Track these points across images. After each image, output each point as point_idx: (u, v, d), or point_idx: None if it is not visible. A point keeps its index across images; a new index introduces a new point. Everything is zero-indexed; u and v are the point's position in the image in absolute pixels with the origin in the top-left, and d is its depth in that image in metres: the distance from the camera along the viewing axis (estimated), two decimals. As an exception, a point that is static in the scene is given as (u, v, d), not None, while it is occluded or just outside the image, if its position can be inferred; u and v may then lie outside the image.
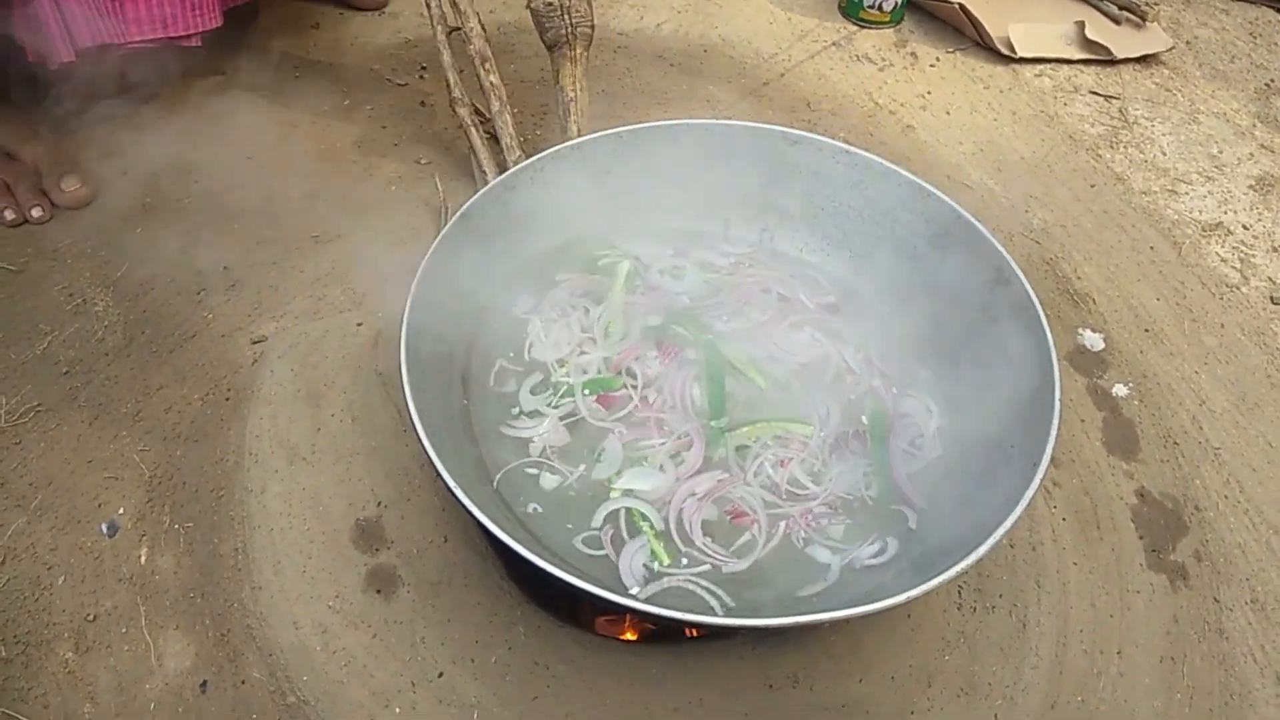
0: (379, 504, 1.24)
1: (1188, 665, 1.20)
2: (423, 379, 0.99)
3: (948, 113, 2.00)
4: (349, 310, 1.47)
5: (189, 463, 1.29)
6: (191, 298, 1.49)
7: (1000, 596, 1.23)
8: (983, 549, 0.87)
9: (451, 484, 0.88)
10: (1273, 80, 2.21)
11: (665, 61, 2.03)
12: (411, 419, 0.92)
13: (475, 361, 1.21)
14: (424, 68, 1.94)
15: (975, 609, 1.20)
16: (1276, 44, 2.34)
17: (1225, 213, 1.85)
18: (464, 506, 0.87)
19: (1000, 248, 1.13)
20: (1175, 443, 1.44)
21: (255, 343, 1.42)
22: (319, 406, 1.33)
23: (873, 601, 0.85)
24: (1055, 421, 0.96)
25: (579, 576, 0.84)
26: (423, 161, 1.74)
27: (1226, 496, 1.38)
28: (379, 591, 1.16)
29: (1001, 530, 0.88)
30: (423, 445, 0.91)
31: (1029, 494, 0.91)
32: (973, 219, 1.17)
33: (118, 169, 1.66)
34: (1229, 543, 1.32)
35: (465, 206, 1.15)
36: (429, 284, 1.04)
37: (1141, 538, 1.32)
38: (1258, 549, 1.32)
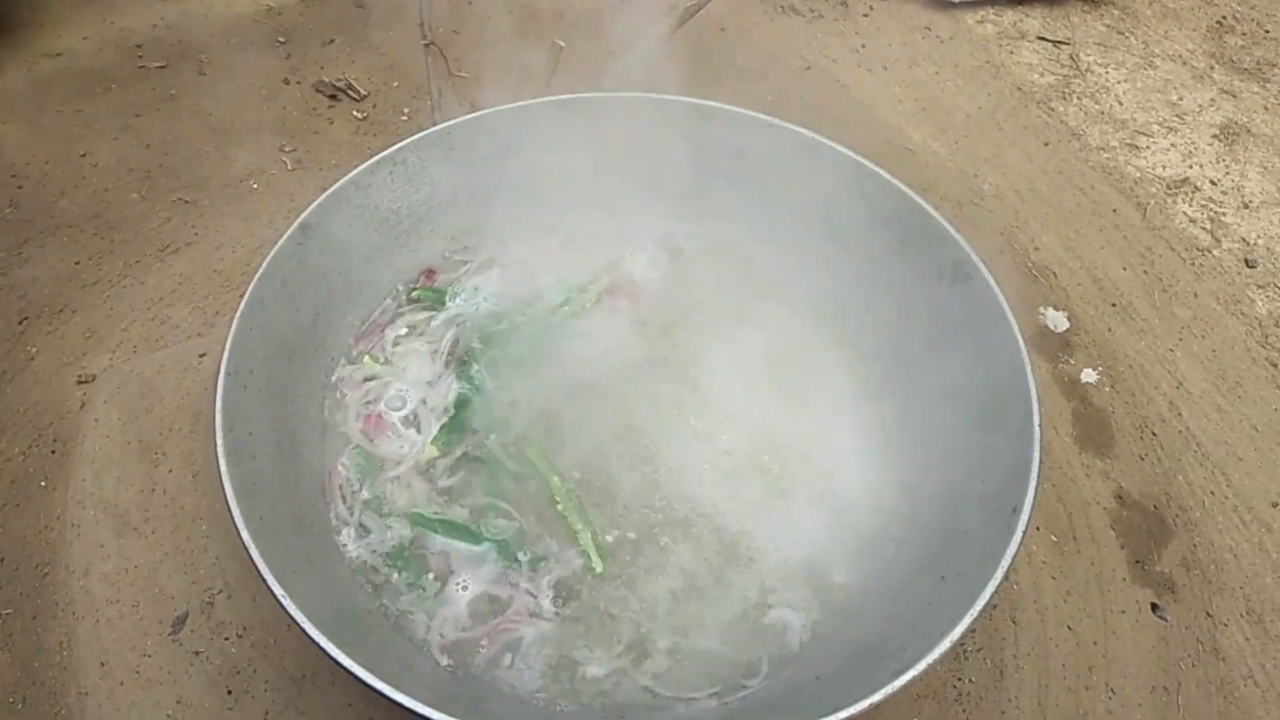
0: (227, 581, 1.02)
1: (1182, 694, 1.07)
2: (250, 454, 0.78)
3: (885, 68, 1.80)
4: (195, 336, 1.24)
5: (8, 534, 1.08)
6: (12, 329, 1.25)
7: (974, 635, 1.06)
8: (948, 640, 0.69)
9: (297, 615, 0.67)
10: (1224, 17, 2.05)
11: (565, 20, 1.80)
12: (234, 520, 0.71)
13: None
14: (284, 39, 1.69)
15: (945, 659, 1.03)
16: (1224, -22, 2.17)
17: (1190, 167, 1.68)
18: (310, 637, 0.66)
19: (959, 237, 0.94)
20: (1153, 433, 1.29)
21: (83, 383, 1.18)
22: (154, 462, 1.11)
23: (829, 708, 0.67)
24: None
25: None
26: (286, 149, 1.50)
27: (1212, 492, 1.24)
28: (229, 692, 0.95)
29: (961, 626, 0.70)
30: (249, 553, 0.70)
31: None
32: (925, 204, 0.97)
33: (-80, 176, 1.41)
34: (1219, 546, 1.19)
35: (305, 214, 0.93)
36: (249, 331, 0.82)
37: (1123, 547, 1.17)
38: (1250, 551, 1.18)
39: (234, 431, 0.78)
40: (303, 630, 0.67)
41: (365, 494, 0.91)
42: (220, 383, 0.79)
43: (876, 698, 0.67)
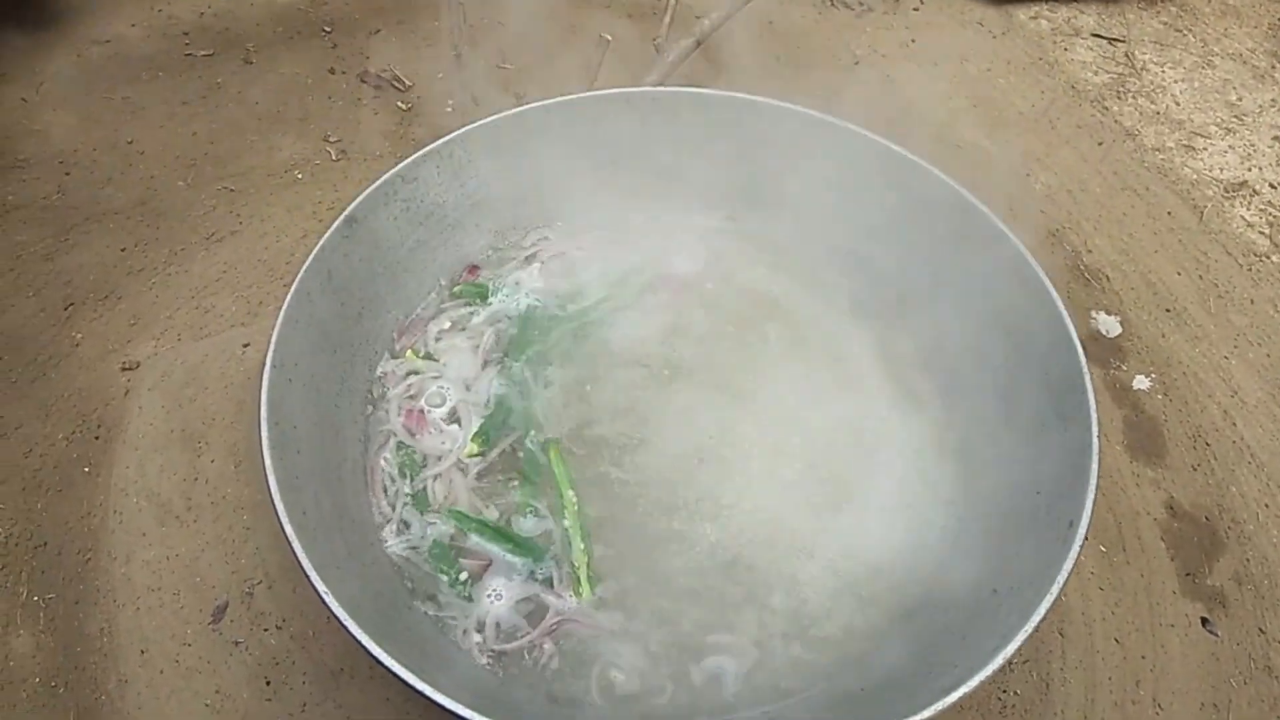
0: (267, 572, 1.02)
1: (1233, 713, 1.04)
2: (294, 447, 0.78)
3: (935, 63, 1.77)
4: (239, 325, 1.24)
5: (51, 518, 1.08)
6: (58, 315, 1.26)
7: (1020, 648, 1.04)
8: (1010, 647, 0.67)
9: (339, 610, 0.66)
10: (1288, 14, 1.99)
11: (613, 13, 1.79)
12: (278, 514, 0.71)
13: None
14: (329, 29, 1.69)
15: (990, 670, 1.02)
16: (1288, -26, 2.11)
17: (1249, 170, 1.64)
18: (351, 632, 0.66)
19: (1015, 238, 0.92)
20: (1206, 443, 1.25)
21: (127, 369, 1.19)
22: (196, 451, 1.11)
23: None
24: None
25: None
26: (331, 139, 1.50)
27: (1267, 505, 1.20)
28: (268, 683, 0.95)
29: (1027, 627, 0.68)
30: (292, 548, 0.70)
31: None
32: (979, 203, 0.95)
33: (-30, 160, 1.42)
34: (1272, 561, 1.16)
35: (351, 207, 0.92)
36: (295, 324, 0.82)
37: (1173, 559, 1.14)
38: (1306, 567, 1.14)
39: (279, 425, 0.78)
40: (343, 626, 0.66)
41: (407, 489, 0.91)
42: (266, 376, 0.78)
43: (926, 713, 0.65)
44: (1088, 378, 0.83)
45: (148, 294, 1.29)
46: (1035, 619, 0.69)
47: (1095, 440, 0.78)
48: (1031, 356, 0.91)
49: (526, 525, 0.90)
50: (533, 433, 0.96)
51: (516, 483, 0.93)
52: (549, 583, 0.87)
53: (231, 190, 1.42)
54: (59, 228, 1.36)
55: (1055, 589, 0.70)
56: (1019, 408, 0.91)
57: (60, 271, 1.31)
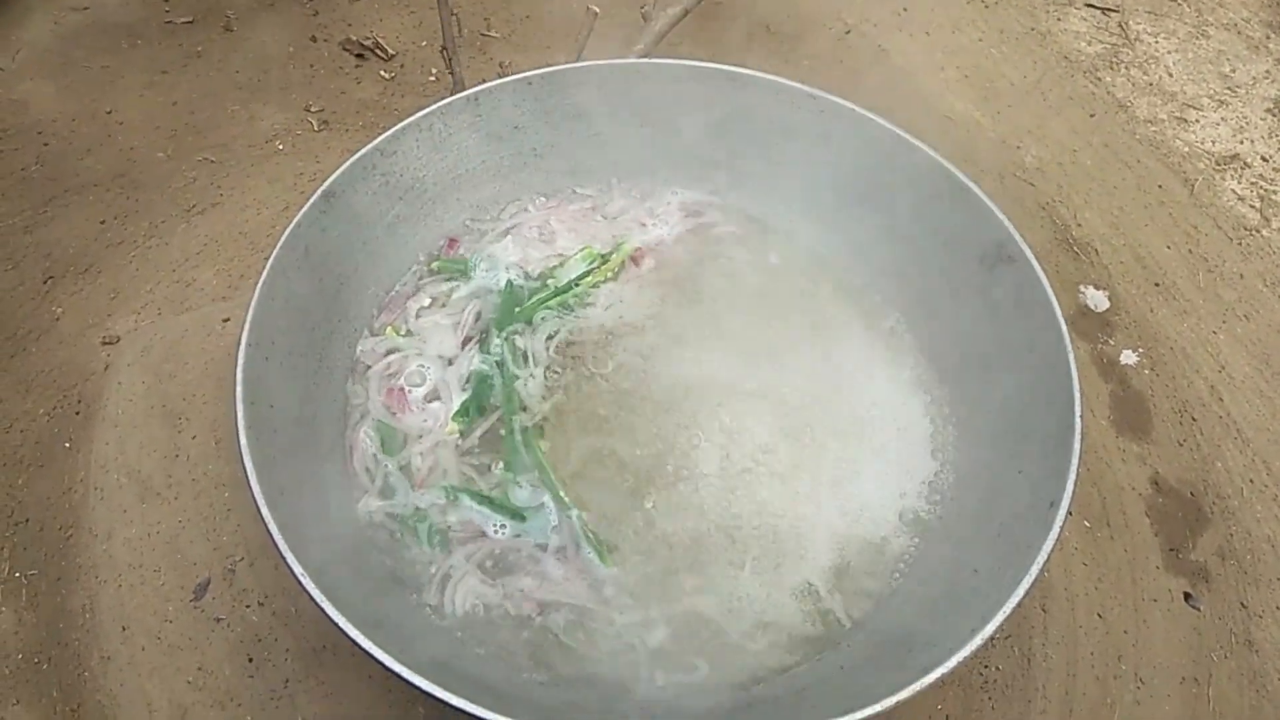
0: (249, 549, 1.02)
1: (1213, 687, 1.05)
2: (271, 427, 0.77)
3: (927, 33, 1.75)
4: (219, 300, 1.23)
5: (32, 494, 1.08)
6: (37, 288, 1.25)
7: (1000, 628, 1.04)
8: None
9: (311, 587, 0.66)
10: (1285, -17, 1.97)
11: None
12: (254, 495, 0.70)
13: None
14: (312, -5, 1.66)
15: (972, 647, 1.02)
16: (1286, -59, 2.09)
17: (1241, 142, 1.62)
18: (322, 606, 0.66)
19: (1002, 216, 0.91)
20: (1192, 418, 1.25)
21: (107, 344, 1.18)
22: (177, 427, 1.11)
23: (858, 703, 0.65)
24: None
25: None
26: (313, 109, 1.48)
27: (1251, 480, 1.21)
28: (250, 660, 0.95)
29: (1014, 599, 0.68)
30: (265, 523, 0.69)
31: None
32: (967, 180, 0.93)
33: (-54, 131, 1.40)
34: (1256, 536, 1.16)
35: (328, 182, 0.91)
36: (271, 301, 0.81)
37: (1157, 534, 1.15)
38: (1289, 542, 1.15)
39: (255, 404, 0.77)
40: (321, 609, 0.66)
41: (389, 466, 0.90)
42: (241, 355, 0.77)
43: (904, 694, 0.65)
44: (1072, 361, 0.82)
45: (128, 267, 1.28)
46: (1014, 600, 0.69)
47: (1078, 423, 0.78)
48: (1016, 336, 0.90)
49: (521, 496, 0.90)
50: (515, 418, 0.95)
51: (501, 465, 0.92)
52: (554, 550, 0.86)
53: (212, 161, 1.40)
54: (38, 199, 1.34)
55: (1035, 569, 0.70)
56: (1008, 390, 0.90)
57: (39, 244, 1.29)
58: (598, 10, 1.23)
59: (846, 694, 0.70)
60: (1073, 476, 0.75)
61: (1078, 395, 0.79)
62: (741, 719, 0.73)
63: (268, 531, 0.69)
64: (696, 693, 0.79)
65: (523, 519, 0.88)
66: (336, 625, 0.66)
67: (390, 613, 0.78)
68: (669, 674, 0.81)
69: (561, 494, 0.89)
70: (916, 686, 0.66)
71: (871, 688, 0.67)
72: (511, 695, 0.74)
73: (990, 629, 0.68)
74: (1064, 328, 0.83)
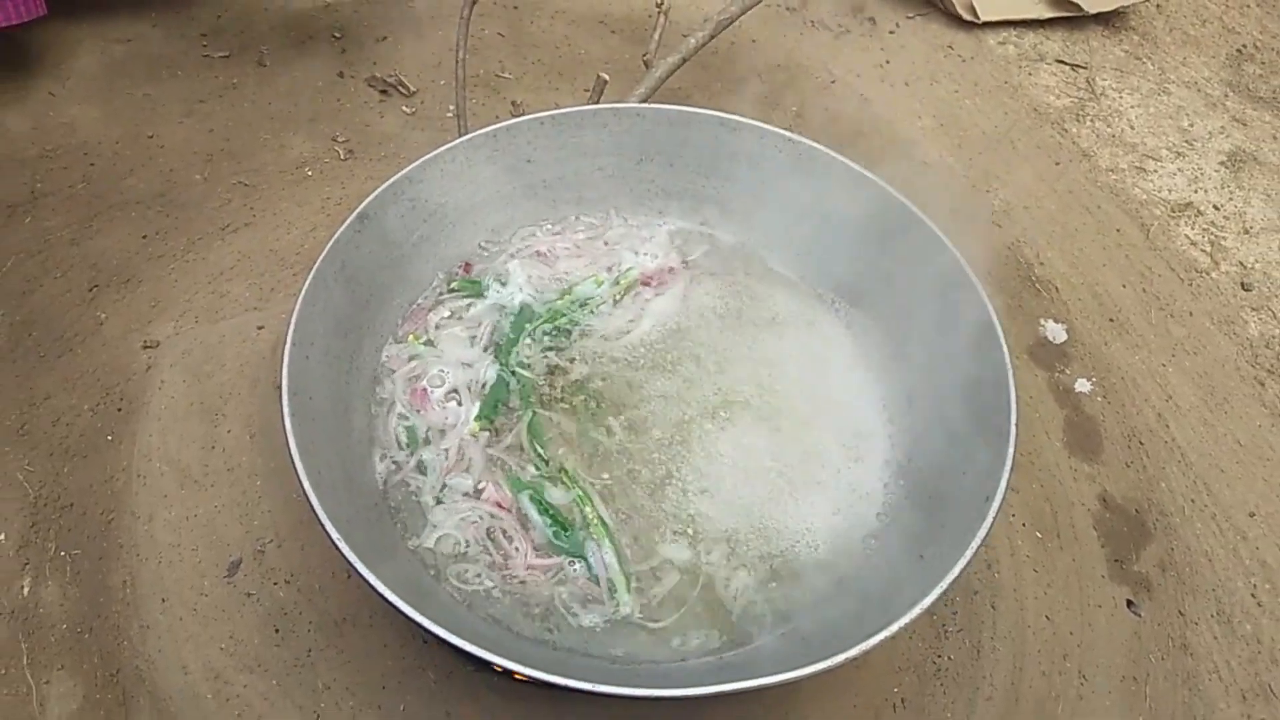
0: (278, 532, 1.13)
1: (1150, 685, 1.14)
2: (310, 416, 0.88)
3: (907, 84, 1.88)
4: (252, 309, 1.34)
5: (76, 482, 1.18)
6: (83, 295, 1.36)
7: (954, 616, 1.15)
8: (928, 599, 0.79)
9: (340, 542, 0.77)
10: (1244, 45, 2.12)
11: (606, 28, 1.90)
12: (294, 466, 0.81)
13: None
14: (339, 35, 1.79)
15: (926, 636, 1.12)
16: (1248, 5, 2.23)
17: (1195, 192, 1.76)
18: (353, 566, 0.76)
19: (955, 252, 1.03)
20: (1140, 442, 1.36)
21: (148, 348, 1.29)
22: (214, 422, 1.21)
23: (811, 661, 0.76)
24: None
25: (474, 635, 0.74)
26: (339, 139, 1.60)
27: (1193, 500, 1.31)
28: (277, 630, 1.06)
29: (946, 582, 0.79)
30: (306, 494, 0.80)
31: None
32: (926, 219, 1.06)
33: (2, 151, 1.51)
34: (1194, 551, 1.26)
35: (363, 204, 1.03)
36: (312, 306, 0.93)
37: (1104, 546, 1.25)
38: (1224, 557, 1.26)
39: (297, 395, 0.88)
40: (353, 568, 0.77)
41: (414, 460, 1.02)
42: (287, 352, 0.89)
43: (853, 652, 0.76)
44: (1011, 375, 0.94)
45: (167, 278, 1.39)
46: (952, 574, 0.80)
47: (1013, 429, 0.90)
48: (971, 357, 1.01)
49: (556, 495, 1.00)
50: (529, 414, 1.06)
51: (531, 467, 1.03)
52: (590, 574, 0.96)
53: (245, 184, 1.52)
54: (84, 214, 1.45)
55: (970, 551, 0.81)
56: (960, 401, 1.02)
57: (85, 255, 1.40)
58: (607, 78, 1.36)
59: (796, 662, 0.79)
60: (1006, 474, 0.86)
61: (1014, 408, 0.91)
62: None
63: (309, 503, 0.80)
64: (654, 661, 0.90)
65: (566, 533, 0.98)
66: (367, 581, 0.76)
67: (409, 579, 0.89)
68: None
69: (603, 528, 0.99)
70: (864, 646, 0.76)
71: (826, 650, 0.78)
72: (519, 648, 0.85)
73: (929, 600, 0.78)
74: (1005, 346, 0.95)
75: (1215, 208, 1.73)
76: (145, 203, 1.48)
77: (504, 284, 1.17)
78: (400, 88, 1.69)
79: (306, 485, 0.81)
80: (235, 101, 1.66)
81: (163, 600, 1.07)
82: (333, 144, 1.60)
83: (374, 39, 1.79)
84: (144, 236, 1.43)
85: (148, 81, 1.67)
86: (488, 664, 0.93)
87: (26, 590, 1.09)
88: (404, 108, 1.68)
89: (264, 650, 1.04)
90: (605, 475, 1.03)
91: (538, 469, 1.02)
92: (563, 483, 1.01)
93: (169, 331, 1.32)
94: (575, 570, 0.96)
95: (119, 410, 1.24)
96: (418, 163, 1.08)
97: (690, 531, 1.00)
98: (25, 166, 1.50)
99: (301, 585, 1.09)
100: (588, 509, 0.98)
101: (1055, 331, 1.48)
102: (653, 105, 1.18)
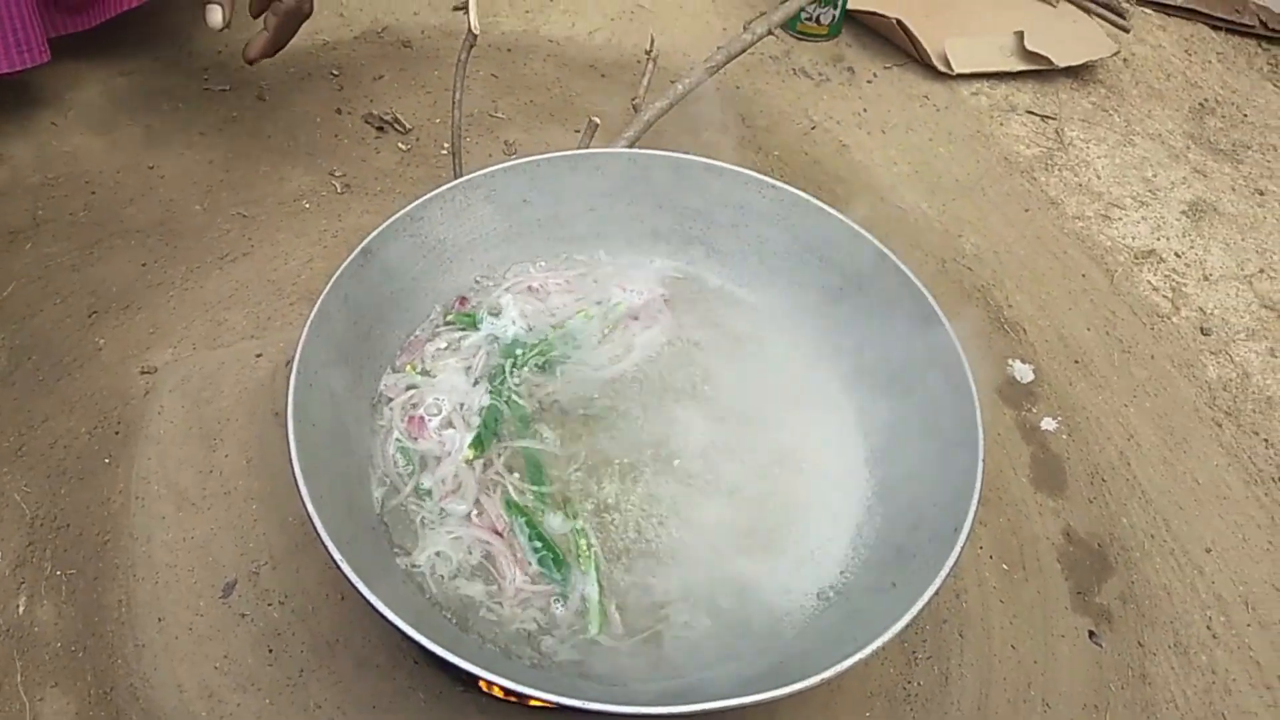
0: (272, 555, 1.16)
1: (1110, 713, 1.18)
2: (311, 441, 0.92)
3: (883, 131, 1.96)
4: (250, 338, 1.38)
5: (73, 503, 1.20)
6: (82, 321, 1.39)
7: (924, 643, 1.20)
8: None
9: (338, 556, 0.81)
10: (1206, 99, 2.21)
11: (597, 72, 1.96)
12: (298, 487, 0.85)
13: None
14: (337, 73, 1.85)
15: (897, 663, 1.17)
16: (1210, 61, 2.34)
17: (1158, 239, 1.84)
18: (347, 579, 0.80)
19: (927, 294, 1.09)
20: (1103, 479, 1.42)
21: (146, 373, 1.32)
22: (212, 447, 1.25)
23: (790, 680, 0.81)
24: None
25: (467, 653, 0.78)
26: (337, 174, 1.65)
27: (1153, 536, 1.37)
28: (270, 650, 1.09)
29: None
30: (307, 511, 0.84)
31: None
32: (900, 263, 1.12)
33: (5, 179, 1.55)
34: (1154, 584, 1.31)
35: (367, 240, 1.08)
36: (317, 335, 0.97)
37: (1067, 579, 1.30)
38: (1182, 590, 1.31)
39: (300, 422, 0.92)
40: (358, 592, 0.80)
41: (411, 485, 1.06)
42: (292, 379, 0.93)
43: (829, 673, 0.80)
44: (978, 412, 1.00)
45: (166, 306, 1.42)
46: (922, 601, 0.84)
47: (980, 464, 0.95)
48: (943, 395, 1.07)
49: (553, 523, 1.04)
50: (521, 443, 1.11)
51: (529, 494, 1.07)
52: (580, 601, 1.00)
53: (244, 215, 1.56)
54: (85, 242, 1.48)
55: (938, 580, 0.86)
56: (933, 437, 1.07)
57: (85, 281, 1.43)
58: (598, 121, 1.42)
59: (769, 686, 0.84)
60: (974, 507, 0.92)
61: (980, 444, 0.96)
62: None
63: (311, 523, 0.84)
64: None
65: (556, 563, 1.01)
66: (366, 599, 0.80)
67: (402, 599, 0.93)
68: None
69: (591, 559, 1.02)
70: (837, 669, 0.81)
71: (803, 672, 0.83)
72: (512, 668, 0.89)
73: (899, 626, 0.83)
74: (973, 385, 1.01)
75: (1177, 255, 1.81)
76: (145, 231, 1.52)
77: (497, 317, 1.22)
78: (396, 125, 1.74)
79: (310, 508, 0.85)
80: (235, 134, 1.70)
81: (159, 620, 1.10)
82: (330, 178, 1.65)
83: (370, 77, 1.85)
84: (144, 264, 1.47)
85: (149, 113, 1.71)
86: (477, 685, 0.98)
87: (22, 609, 1.11)
88: (400, 144, 1.73)
89: (257, 670, 1.07)
90: (589, 504, 1.07)
91: (535, 497, 1.06)
92: (561, 511, 1.05)
93: (167, 358, 1.35)
94: (562, 597, 1.00)
95: (117, 434, 1.27)
96: (419, 200, 1.13)
97: (669, 561, 1.04)
98: (28, 194, 1.53)
99: (295, 606, 1.12)
100: (581, 541, 1.02)
101: (1023, 372, 1.54)
102: (644, 150, 1.25)
